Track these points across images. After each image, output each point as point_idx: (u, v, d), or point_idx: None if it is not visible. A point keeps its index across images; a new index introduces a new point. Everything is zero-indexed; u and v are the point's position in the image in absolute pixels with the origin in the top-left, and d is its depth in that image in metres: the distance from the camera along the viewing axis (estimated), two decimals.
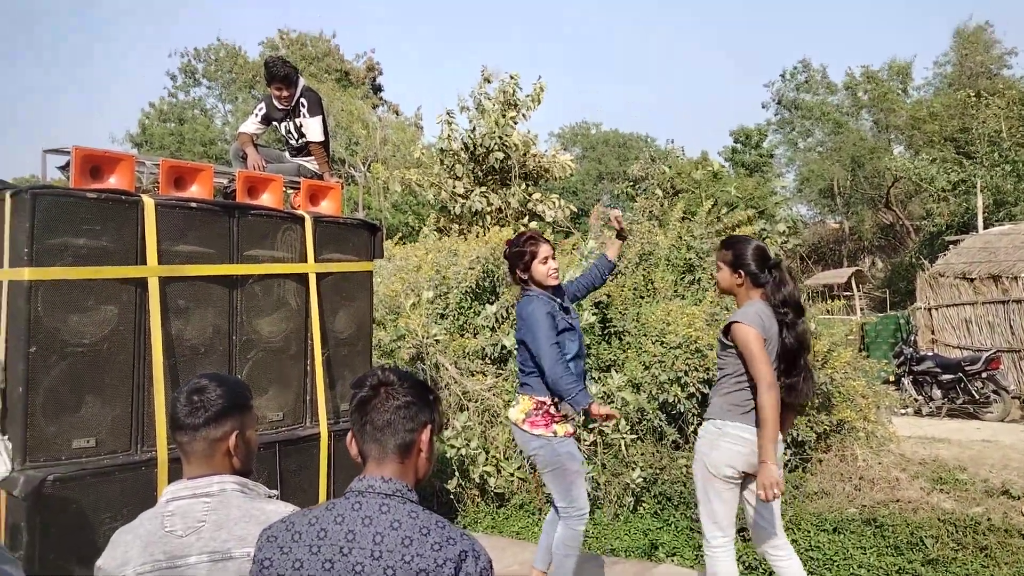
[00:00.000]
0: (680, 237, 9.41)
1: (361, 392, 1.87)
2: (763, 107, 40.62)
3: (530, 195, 15.97)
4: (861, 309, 24.51)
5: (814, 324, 8.39)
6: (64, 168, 3.84)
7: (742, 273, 3.80)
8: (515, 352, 4.69)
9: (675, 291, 8.68)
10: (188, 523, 2.01)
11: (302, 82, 5.73)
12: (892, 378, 12.25)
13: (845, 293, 25.55)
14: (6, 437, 3.39)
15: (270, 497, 2.18)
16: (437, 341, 7.91)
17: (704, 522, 3.79)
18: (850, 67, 35.34)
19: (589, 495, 6.82)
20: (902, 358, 13.04)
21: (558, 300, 4.33)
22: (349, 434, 1.91)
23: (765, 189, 26.50)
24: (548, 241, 4.40)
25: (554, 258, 4.36)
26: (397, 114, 36.49)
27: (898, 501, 6.66)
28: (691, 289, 8.78)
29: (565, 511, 4.24)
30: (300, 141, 5.75)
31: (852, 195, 33.25)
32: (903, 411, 11.97)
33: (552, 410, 4.15)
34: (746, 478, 3.76)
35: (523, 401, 4.25)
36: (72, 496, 3.43)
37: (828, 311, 9.74)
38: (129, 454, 3.74)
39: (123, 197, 3.76)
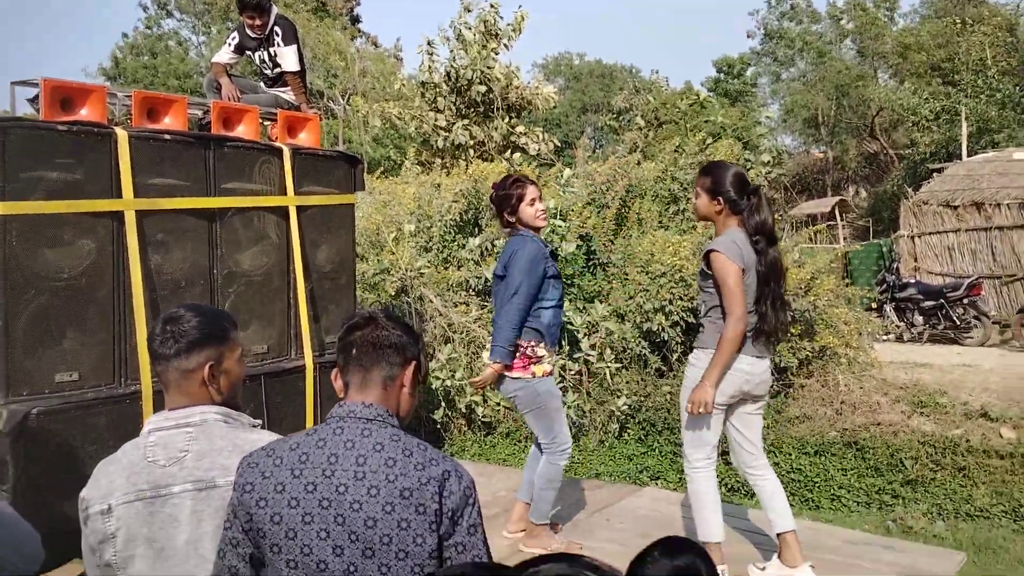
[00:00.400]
0: (666, 169, 9.36)
1: (351, 322, 1.89)
2: (748, 36, 40.06)
3: (513, 128, 15.79)
4: (845, 238, 24.61)
5: (798, 253, 8.42)
6: (34, 101, 3.73)
7: (721, 200, 3.77)
8: None
9: (660, 222, 8.67)
10: (170, 453, 2.00)
11: (275, 10, 5.57)
12: (875, 305, 12.36)
13: (829, 223, 25.62)
14: None
15: (254, 427, 2.17)
16: (421, 274, 7.89)
17: (688, 445, 3.85)
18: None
19: (574, 423, 6.91)
20: (884, 285, 13.14)
21: (547, 245, 4.31)
22: (335, 368, 1.90)
23: (749, 119, 26.31)
24: (535, 183, 4.36)
25: (541, 199, 4.32)
26: (376, 46, 35.72)
27: (879, 424, 6.78)
28: (675, 220, 8.76)
29: (548, 447, 4.29)
30: (275, 71, 5.61)
31: (836, 125, 33.04)
32: (885, 337, 12.11)
33: (530, 352, 4.16)
34: (732, 404, 3.81)
35: None
36: (56, 429, 3.43)
37: (811, 240, 9.76)
38: (113, 387, 3.73)
39: (95, 129, 3.68)
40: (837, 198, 28.90)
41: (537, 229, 4.30)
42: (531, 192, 4.25)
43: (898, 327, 12.80)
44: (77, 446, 3.50)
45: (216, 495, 1.99)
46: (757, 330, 3.74)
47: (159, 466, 1.99)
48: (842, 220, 26.50)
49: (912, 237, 15.22)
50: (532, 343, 4.15)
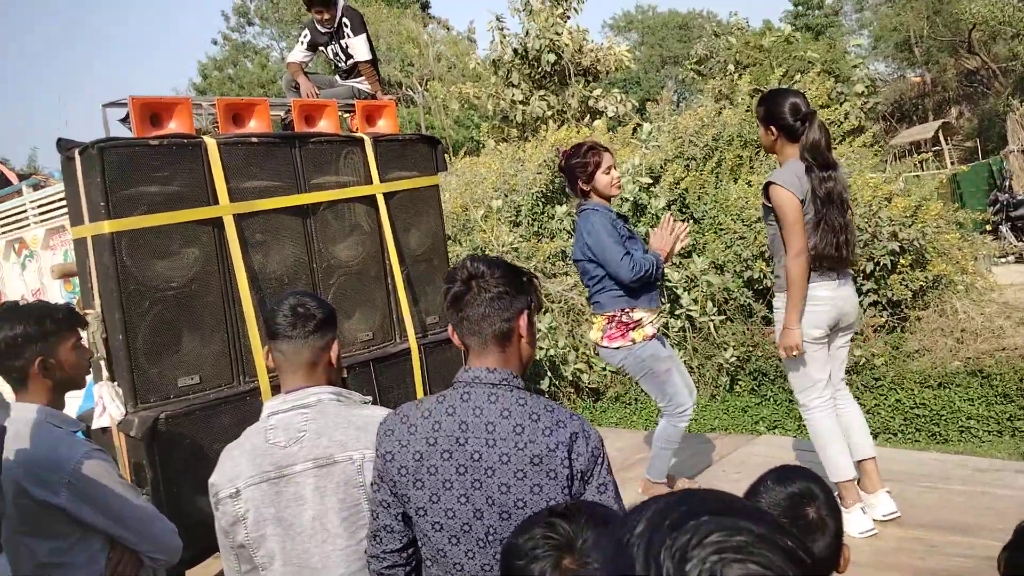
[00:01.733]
0: (750, 110, 9.09)
1: (453, 287, 1.87)
2: None
3: (590, 92, 15.61)
4: (952, 162, 23.42)
5: (902, 182, 8.07)
6: (125, 120, 3.90)
7: (773, 129, 3.69)
8: None
9: (751, 167, 8.45)
10: (290, 434, 2.09)
11: (342, 2, 5.66)
12: (989, 227, 11.76)
13: (934, 148, 24.43)
14: (115, 383, 3.57)
15: (364, 403, 2.24)
16: (515, 249, 7.93)
17: (798, 389, 3.78)
18: None
19: None
20: (998, 205, 12.48)
21: (615, 212, 4.29)
22: (449, 327, 1.93)
23: (837, 51, 25.23)
24: (608, 150, 4.33)
25: (616, 167, 4.30)
26: (448, 29, 35.84)
27: (1003, 350, 6.47)
28: (767, 164, 8.52)
29: (665, 409, 4.29)
30: (348, 62, 5.71)
31: (931, 45, 31.38)
32: (1003, 259, 11.51)
33: (624, 318, 4.15)
34: (831, 334, 3.74)
35: (596, 320, 4.32)
36: (184, 431, 3.60)
37: (916, 166, 9.33)
38: (232, 386, 3.89)
39: (185, 140, 3.82)
40: (939, 122, 27.49)
41: (609, 198, 4.29)
42: (607, 160, 4.24)
43: (1016, 247, 12.14)
44: (205, 445, 3.66)
45: (337, 470, 2.07)
46: (821, 256, 3.63)
47: (280, 447, 2.08)
48: (947, 144, 25.23)
49: (1023, 151, 14.36)
50: (625, 309, 4.14)
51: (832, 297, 3.68)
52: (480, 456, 1.76)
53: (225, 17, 36.66)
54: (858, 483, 3.82)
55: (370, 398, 2.31)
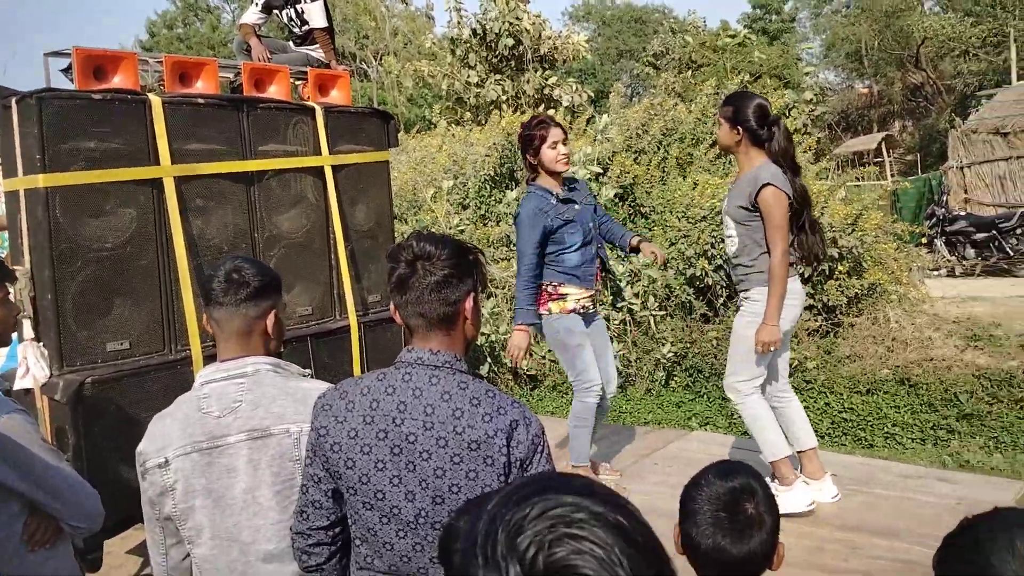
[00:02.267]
0: (704, 111, 9.19)
1: (398, 268, 1.80)
2: None
3: (546, 80, 15.59)
4: (892, 174, 24.03)
5: (844, 191, 8.24)
6: (67, 71, 3.75)
7: (740, 130, 3.78)
8: None
9: (701, 166, 8.53)
10: (224, 404, 2.03)
11: None
12: (924, 240, 12.10)
13: (876, 159, 25.02)
14: (41, 344, 3.44)
15: (303, 376, 2.19)
16: (461, 231, 7.88)
17: (737, 377, 3.93)
18: None
19: (620, 372, 6.89)
20: (934, 219, 12.84)
21: (558, 192, 4.27)
22: (392, 306, 1.87)
23: (789, 57, 25.64)
24: (560, 126, 4.31)
25: (565, 143, 4.29)
26: (405, 4, 35.42)
27: (931, 360, 6.67)
28: (717, 164, 8.62)
29: (574, 383, 4.35)
30: (303, 28, 5.59)
31: (880, 57, 32.08)
32: (936, 272, 11.87)
33: (551, 289, 4.24)
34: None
35: None
36: (111, 396, 3.50)
37: (859, 178, 9.54)
38: (163, 354, 3.79)
39: (129, 96, 3.69)
40: (883, 134, 28.17)
41: (557, 174, 4.29)
42: (554, 134, 4.23)
43: (949, 261, 12.53)
44: (132, 412, 3.56)
45: (272, 443, 2.02)
46: (809, 254, 3.90)
47: (213, 417, 2.02)
48: (889, 156, 25.86)
49: (961, 168, 14.80)
50: (555, 283, 4.23)
51: (801, 293, 3.92)
52: (416, 438, 1.73)
53: None
54: (801, 470, 4.02)
55: (309, 371, 2.26)
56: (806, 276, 6.98)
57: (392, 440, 1.74)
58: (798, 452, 3.99)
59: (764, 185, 3.69)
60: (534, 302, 4.21)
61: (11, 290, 2.47)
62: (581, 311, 4.28)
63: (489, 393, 1.77)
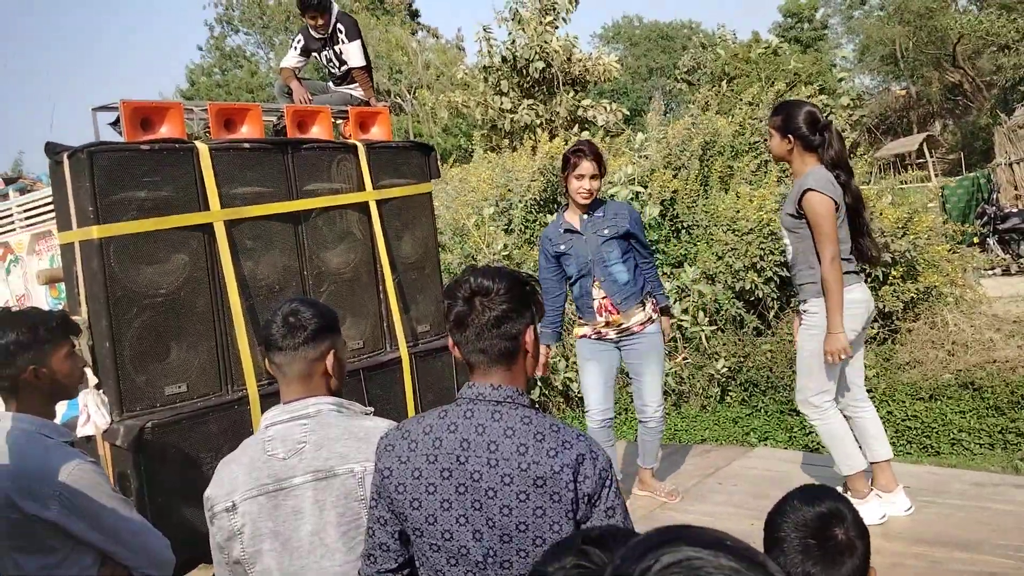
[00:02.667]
0: (742, 123, 9.11)
1: (456, 306, 1.78)
2: None
3: (579, 102, 15.63)
4: (936, 175, 23.61)
5: (890, 195, 8.09)
6: (115, 124, 3.83)
7: (791, 138, 3.73)
8: None
9: (743, 177, 8.45)
10: (289, 446, 2.03)
11: (336, 8, 5.61)
12: (977, 240, 11.82)
13: (918, 161, 24.61)
14: (101, 391, 3.49)
15: (366, 414, 2.18)
16: (507, 256, 7.88)
17: (810, 392, 3.84)
18: None
19: (673, 390, 6.80)
20: (986, 218, 12.56)
21: (566, 223, 4.40)
22: (450, 341, 1.85)
23: (824, 64, 25.42)
24: (595, 159, 4.31)
25: (594, 179, 4.31)
26: (437, 37, 35.85)
27: (995, 362, 6.47)
28: (758, 174, 8.52)
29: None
30: (342, 69, 5.66)
31: (916, 58, 31.66)
32: (991, 272, 11.57)
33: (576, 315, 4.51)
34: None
35: None
36: (171, 440, 3.53)
37: (903, 182, 9.37)
38: (220, 395, 3.82)
39: (176, 145, 3.76)
40: (924, 134, 27.71)
41: (580, 206, 4.35)
42: (583, 167, 4.28)
43: (1004, 259, 12.21)
44: (192, 454, 3.60)
45: (336, 483, 2.01)
46: (865, 258, 3.84)
47: (279, 459, 2.02)
48: (931, 156, 25.43)
49: (1010, 164, 14.47)
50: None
51: (866, 300, 3.81)
52: (481, 476, 1.70)
53: (209, 27, 36.47)
54: (873, 483, 3.94)
55: (371, 409, 2.25)
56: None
57: (457, 479, 1.71)
58: (871, 463, 3.90)
59: (807, 191, 3.64)
60: (551, 322, 4.45)
61: (76, 343, 2.51)
62: (595, 337, 4.42)
63: (554, 427, 1.73)
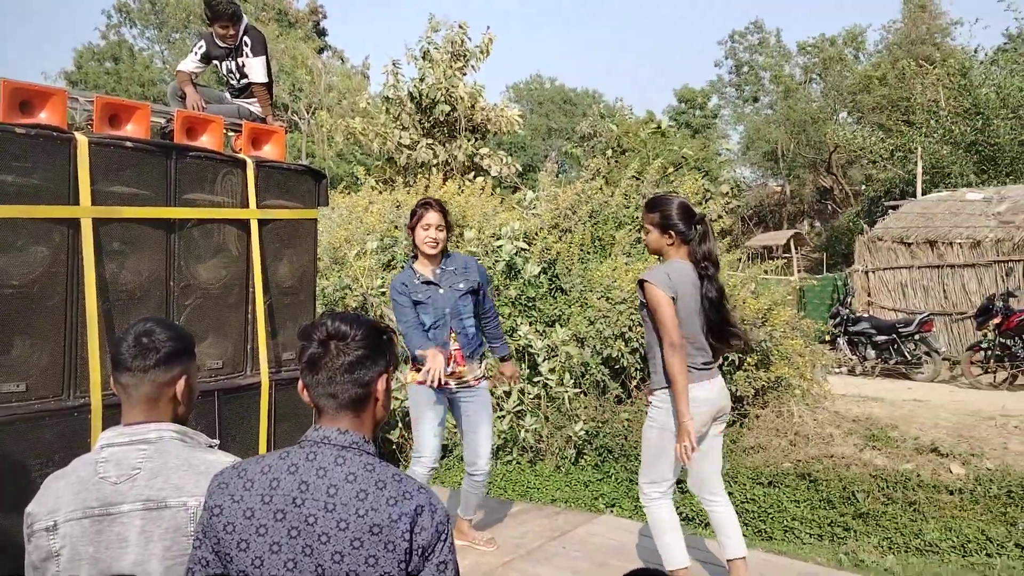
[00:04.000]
0: (627, 195, 9.43)
1: (310, 348, 1.77)
2: (716, 65, 40.82)
3: (477, 149, 15.82)
4: (799, 270, 25.02)
5: (753, 284, 8.52)
6: None
7: (672, 233, 3.80)
8: None
9: (623, 249, 8.72)
10: (123, 470, 1.94)
11: (246, 20, 5.51)
12: (828, 338, 12.55)
13: (784, 255, 26.03)
14: None
15: (210, 447, 2.11)
16: (383, 292, 7.82)
17: (647, 479, 3.83)
18: (807, 37, 35.60)
19: (531, 447, 6.87)
20: (838, 319, 13.35)
21: (422, 274, 4.47)
22: (300, 383, 1.83)
23: (709, 151, 26.72)
24: (442, 211, 4.50)
25: (440, 229, 4.47)
26: (343, 60, 35.67)
27: (831, 456, 6.85)
28: (638, 247, 8.81)
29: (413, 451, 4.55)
30: (242, 82, 5.54)
31: (794, 159, 33.71)
32: (838, 370, 12.28)
33: (412, 362, 4.46)
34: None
35: None
36: (1, 441, 3.30)
37: (767, 272, 9.89)
38: (61, 399, 3.61)
39: (55, 133, 3.58)
40: (792, 231, 29.43)
41: (427, 256, 4.48)
42: (429, 218, 4.44)
43: (851, 360, 13.00)
44: (21, 459, 3.37)
45: (167, 515, 1.93)
46: (711, 354, 3.81)
47: (110, 483, 1.92)
48: (797, 252, 26.97)
49: (866, 272, 15.51)
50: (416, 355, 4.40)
51: (709, 399, 3.76)
52: (316, 520, 1.66)
53: (107, 15, 35.09)
54: None
55: (216, 442, 2.17)
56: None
57: (290, 521, 1.67)
58: (726, 560, 3.89)
59: (640, 281, 3.72)
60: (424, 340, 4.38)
61: None
62: (434, 387, 4.34)
63: (396, 477, 1.73)
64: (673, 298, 3.64)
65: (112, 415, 3.44)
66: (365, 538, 1.65)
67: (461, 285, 4.48)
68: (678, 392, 3.58)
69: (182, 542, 1.93)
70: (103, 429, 2.36)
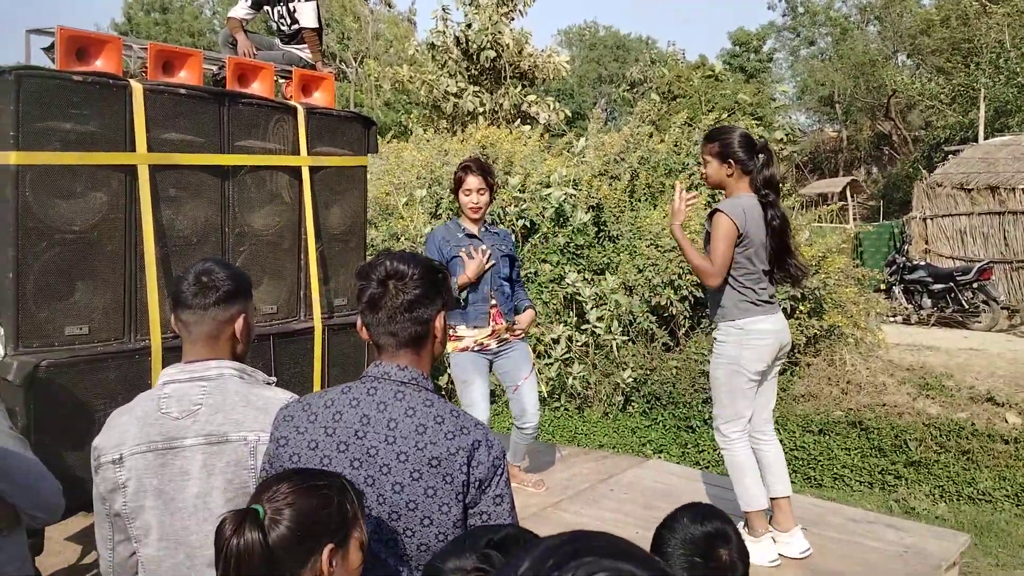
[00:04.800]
0: (677, 144, 9.29)
1: (369, 288, 1.80)
2: (769, 8, 39.60)
3: (524, 96, 15.66)
4: (855, 218, 24.49)
5: (808, 232, 8.37)
6: (49, 50, 3.69)
7: (731, 162, 3.73)
8: None
9: (671, 196, 8.61)
10: (184, 406, 2.00)
11: None
12: (883, 286, 12.31)
13: (840, 202, 25.47)
14: None
15: (268, 383, 2.16)
16: None
17: (722, 420, 3.82)
18: None
19: (579, 394, 6.92)
20: (894, 267, 13.07)
21: (468, 228, 4.49)
22: (359, 320, 1.87)
23: (764, 96, 26.10)
24: (482, 173, 4.47)
25: (482, 192, 4.46)
26: (390, 6, 35.40)
27: (884, 405, 6.78)
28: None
29: None
30: (292, 27, 5.54)
31: (851, 104, 32.75)
32: (892, 319, 12.07)
33: (451, 331, 4.37)
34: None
35: None
36: (66, 382, 3.42)
37: (821, 219, 9.71)
38: (122, 342, 3.72)
39: (111, 81, 3.63)
40: (849, 178, 28.68)
41: (473, 220, 4.49)
42: (468, 182, 4.44)
43: (906, 309, 12.74)
44: (85, 399, 3.50)
45: (228, 449, 1.99)
46: (783, 279, 3.82)
47: (172, 418, 1.99)
48: (853, 200, 26.36)
49: (924, 219, 15.12)
50: (451, 325, 4.31)
51: (775, 331, 3.76)
52: (377, 452, 1.72)
53: None
54: (771, 520, 3.90)
55: (274, 379, 2.22)
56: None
57: (352, 453, 1.73)
58: (770, 499, 3.88)
59: (714, 210, 3.68)
60: None
61: None
62: (476, 348, 4.43)
63: (454, 412, 1.77)
64: (742, 235, 3.61)
65: (170, 357, 3.54)
66: (424, 470, 1.70)
67: (503, 247, 4.56)
68: (687, 246, 3.74)
69: (242, 475, 1.99)
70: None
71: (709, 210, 3.78)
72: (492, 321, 4.48)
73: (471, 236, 4.48)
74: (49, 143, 3.41)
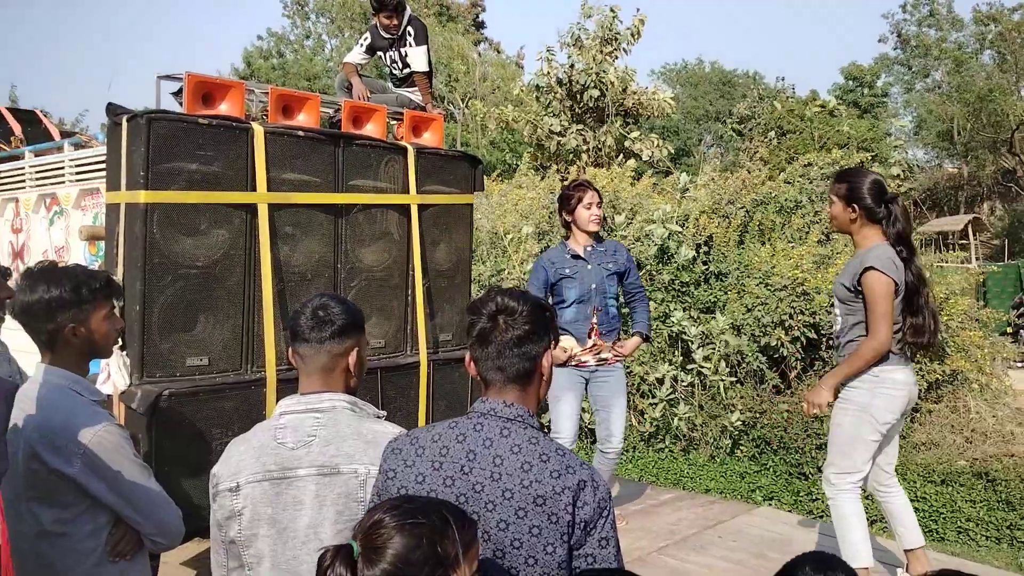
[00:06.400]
0: (793, 181, 9.08)
1: (480, 323, 1.83)
2: (880, 41, 38.46)
3: (627, 134, 15.64)
4: (977, 258, 23.34)
5: (929, 272, 8.01)
6: (177, 94, 3.91)
7: (855, 207, 3.62)
8: None
9: (782, 233, 8.41)
10: (299, 437, 2.05)
11: (409, 11, 5.69)
12: (1010, 330, 11.65)
13: (961, 241, 24.34)
14: (124, 353, 3.53)
15: (378, 417, 2.20)
16: None
17: (836, 468, 3.69)
18: (977, 4, 32.80)
19: (684, 436, 6.77)
20: (1021, 308, 12.38)
21: (574, 249, 4.71)
22: (468, 356, 1.89)
23: (879, 131, 25.29)
24: (597, 190, 4.77)
25: (600, 206, 4.73)
26: (498, 52, 36.13)
27: (1012, 456, 6.36)
28: (800, 232, 8.47)
29: None
30: (404, 71, 5.72)
31: (972, 139, 31.38)
32: (1021, 364, 11.39)
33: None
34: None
35: None
36: (186, 411, 3.56)
37: (943, 260, 9.29)
38: (240, 373, 3.85)
39: (234, 124, 3.81)
40: (970, 216, 27.38)
41: (588, 232, 4.69)
42: (589, 197, 4.69)
43: None
44: (204, 428, 3.63)
45: (339, 481, 2.03)
46: (911, 343, 3.64)
47: (287, 448, 2.04)
48: (975, 239, 25.15)
49: None
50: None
51: (909, 384, 3.65)
52: (483, 488, 1.72)
53: (284, 5, 37.02)
54: (909, 570, 3.79)
55: (384, 413, 2.26)
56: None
57: (459, 488, 1.73)
58: (905, 551, 3.76)
59: (867, 268, 3.53)
60: None
61: (116, 305, 2.54)
62: (572, 365, 4.58)
63: (559, 451, 1.76)
64: (897, 287, 3.49)
65: (284, 389, 3.64)
66: (529, 508, 1.68)
67: (610, 265, 4.70)
68: (848, 371, 3.55)
69: (352, 507, 2.02)
70: (276, 402, 2.50)
71: (858, 265, 3.63)
72: (591, 336, 4.62)
73: (576, 257, 4.67)
74: (175, 183, 3.60)
